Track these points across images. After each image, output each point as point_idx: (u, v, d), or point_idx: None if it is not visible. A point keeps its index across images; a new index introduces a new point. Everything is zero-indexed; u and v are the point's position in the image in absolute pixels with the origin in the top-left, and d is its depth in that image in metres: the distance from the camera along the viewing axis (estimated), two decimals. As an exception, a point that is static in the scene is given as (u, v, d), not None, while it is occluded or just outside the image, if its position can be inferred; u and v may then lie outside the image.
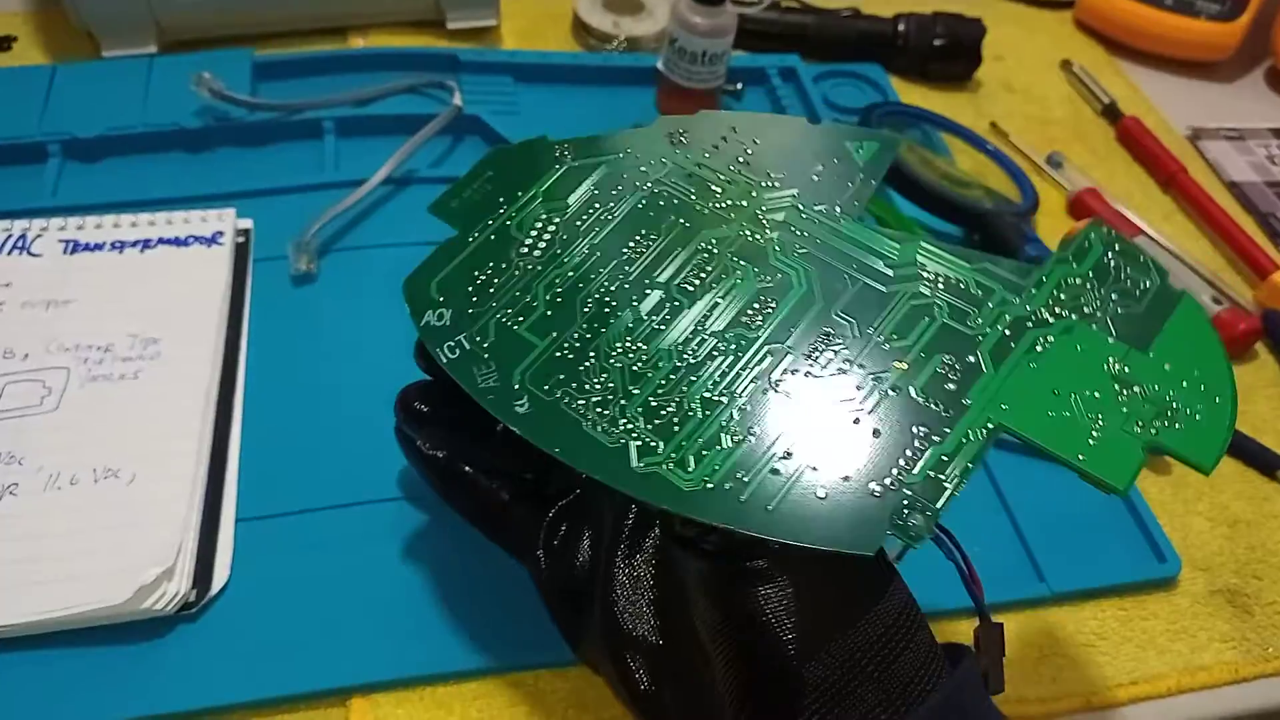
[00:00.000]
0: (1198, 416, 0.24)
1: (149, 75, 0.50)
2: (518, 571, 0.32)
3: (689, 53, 0.51)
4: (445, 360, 0.27)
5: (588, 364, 0.27)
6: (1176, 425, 0.24)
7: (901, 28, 0.60)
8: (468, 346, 0.28)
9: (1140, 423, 0.24)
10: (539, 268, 0.29)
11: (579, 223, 0.30)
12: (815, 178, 0.31)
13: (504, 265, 0.29)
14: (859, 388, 0.25)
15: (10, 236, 0.41)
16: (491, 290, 0.29)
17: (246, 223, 0.44)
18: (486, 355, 0.27)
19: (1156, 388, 0.25)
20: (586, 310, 0.28)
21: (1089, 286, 0.27)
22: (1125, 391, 0.25)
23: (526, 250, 0.30)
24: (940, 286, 0.28)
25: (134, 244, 0.42)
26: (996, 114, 0.60)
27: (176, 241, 0.42)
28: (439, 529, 0.35)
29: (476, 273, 0.29)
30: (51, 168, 0.45)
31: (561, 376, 0.27)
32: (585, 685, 0.33)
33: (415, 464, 0.33)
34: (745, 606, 0.25)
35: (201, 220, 0.43)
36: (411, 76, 0.51)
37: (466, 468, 0.32)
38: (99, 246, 0.41)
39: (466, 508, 0.33)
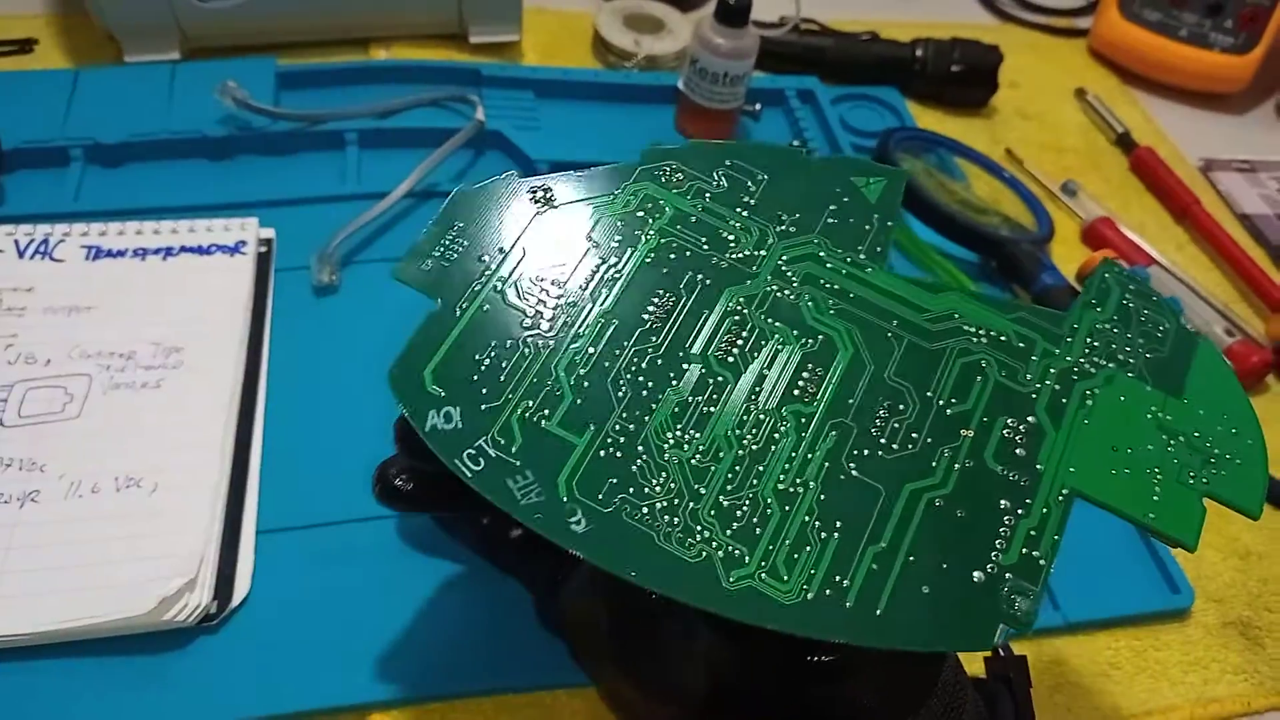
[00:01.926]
0: (1238, 461, 0.24)
1: (172, 81, 0.50)
2: (539, 590, 0.32)
3: (710, 73, 0.51)
4: (470, 475, 0.23)
5: (641, 462, 0.23)
6: (1222, 472, 0.24)
7: (919, 53, 0.61)
8: (493, 454, 0.23)
9: (1192, 473, 0.24)
10: (551, 344, 0.25)
11: (582, 285, 0.26)
12: (831, 220, 0.28)
13: (509, 343, 0.25)
14: (935, 464, 0.23)
15: (33, 241, 0.41)
16: (503, 378, 0.24)
17: (269, 232, 0.44)
18: (519, 463, 0.23)
19: (1197, 434, 0.24)
20: (622, 394, 0.24)
21: (1116, 331, 0.27)
22: (1172, 442, 0.24)
23: (530, 323, 0.25)
24: (984, 340, 0.26)
25: (156, 251, 0.42)
26: (1011, 141, 0.60)
27: (199, 250, 0.42)
28: (457, 545, 0.35)
29: (477, 356, 0.24)
30: (74, 172, 0.45)
31: (614, 481, 0.23)
32: (602, 706, 0.33)
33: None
34: (814, 703, 0.24)
35: (224, 229, 0.43)
36: (434, 90, 0.52)
37: (485, 519, 0.31)
38: (121, 253, 0.41)
39: (475, 546, 0.33)
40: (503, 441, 0.23)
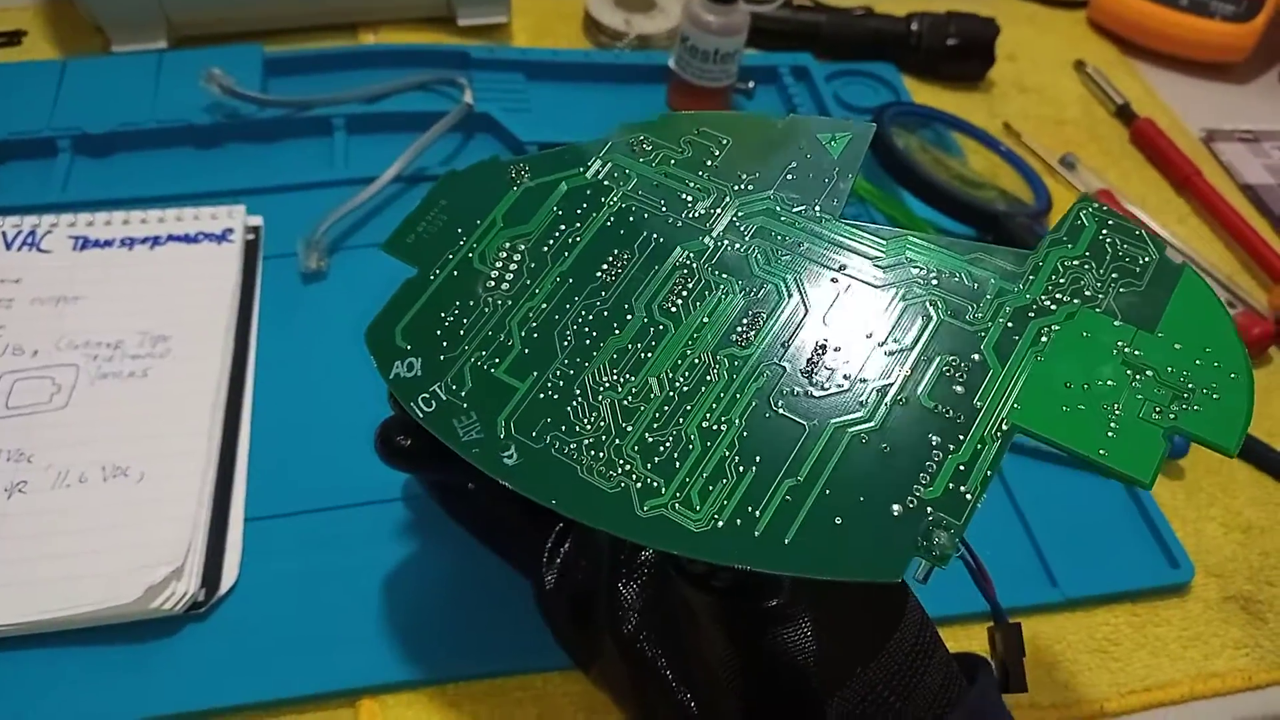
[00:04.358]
0: (1215, 396, 0.23)
1: (159, 71, 0.49)
2: (528, 573, 0.32)
3: (701, 51, 0.51)
4: (421, 415, 0.25)
5: (575, 403, 0.25)
6: (1195, 407, 0.23)
7: (915, 27, 0.60)
8: (444, 397, 0.26)
9: (1158, 408, 0.23)
10: (509, 302, 0.27)
11: (545, 248, 0.28)
12: (790, 176, 0.29)
13: (472, 303, 0.27)
14: (863, 402, 0.24)
15: (20, 232, 0.41)
16: (462, 332, 0.27)
17: (256, 220, 0.44)
18: (465, 405, 0.25)
19: (1170, 369, 0.23)
20: (566, 344, 0.26)
21: (1087, 267, 0.26)
22: (1139, 377, 0.23)
23: (493, 284, 0.27)
24: (934, 281, 0.26)
25: (144, 240, 0.42)
26: (1009, 114, 0.60)
27: (186, 238, 0.42)
28: (449, 529, 0.35)
29: (443, 314, 0.27)
30: (61, 163, 0.45)
31: (549, 420, 0.25)
32: (593, 688, 0.32)
33: (419, 480, 0.33)
34: (763, 647, 0.24)
35: (211, 217, 0.43)
36: (422, 73, 0.51)
37: (470, 485, 0.31)
38: (109, 243, 0.41)
39: (472, 525, 0.33)
40: (454, 386, 0.26)
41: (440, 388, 0.26)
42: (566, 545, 0.30)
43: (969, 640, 0.36)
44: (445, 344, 0.27)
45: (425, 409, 0.26)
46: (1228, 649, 0.37)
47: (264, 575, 0.33)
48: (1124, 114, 0.62)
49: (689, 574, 0.25)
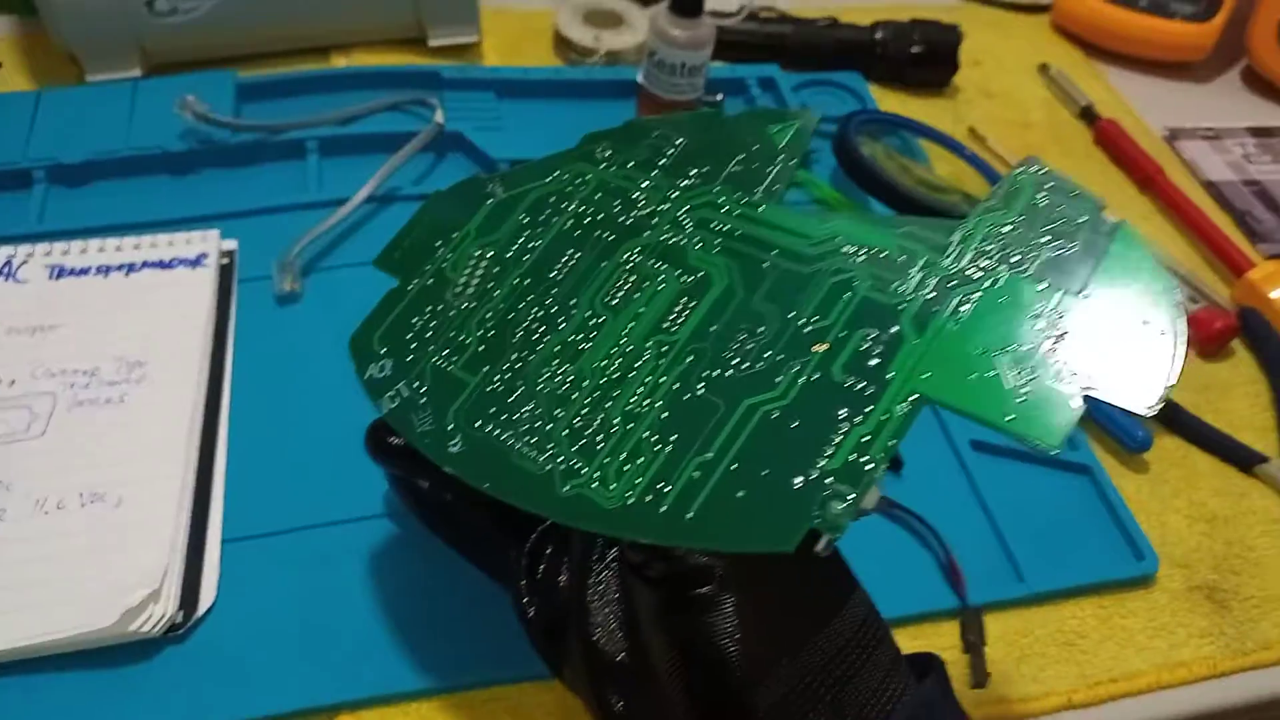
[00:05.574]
0: (1139, 356, 0.22)
1: (133, 99, 0.50)
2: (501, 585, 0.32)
3: (668, 65, 0.52)
4: (386, 411, 0.27)
5: (517, 394, 0.26)
6: (1114, 369, 0.22)
7: (879, 36, 0.61)
8: (406, 394, 0.28)
9: (1075, 372, 0.22)
10: (473, 304, 0.29)
11: (509, 254, 0.30)
12: (736, 168, 0.30)
13: (441, 308, 0.29)
14: (779, 379, 0.24)
15: (-4, 263, 0.42)
16: (429, 334, 0.29)
17: (231, 244, 0.45)
18: (424, 400, 0.27)
19: (1093, 332, 0.23)
20: (516, 340, 0.28)
21: (1018, 233, 0.25)
22: (1058, 341, 0.23)
23: (460, 289, 0.29)
24: (862, 258, 0.26)
25: (119, 268, 0.42)
26: (975, 119, 0.61)
27: (161, 264, 0.43)
28: (422, 545, 0.35)
29: (415, 319, 0.29)
30: (37, 194, 0.46)
31: (492, 410, 0.26)
32: (568, 696, 0.33)
33: (396, 490, 0.34)
34: (693, 636, 0.24)
35: (186, 242, 0.44)
36: (394, 94, 0.52)
37: (448, 495, 0.32)
38: (84, 271, 0.42)
39: (450, 535, 0.34)
40: (416, 384, 0.28)
41: (404, 385, 0.28)
42: (545, 554, 0.31)
43: (938, 638, 0.36)
44: (414, 346, 0.29)
45: (390, 405, 0.28)
46: (1194, 638, 0.38)
47: (241, 595, 0.34)
48: (1087, 115, 0.63)
49: (630, 565, 0.26)
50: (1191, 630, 0.38)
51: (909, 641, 0.36)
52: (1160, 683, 0.37)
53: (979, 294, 0.24)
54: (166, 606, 0.32)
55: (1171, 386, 0.22)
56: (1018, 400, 0.22)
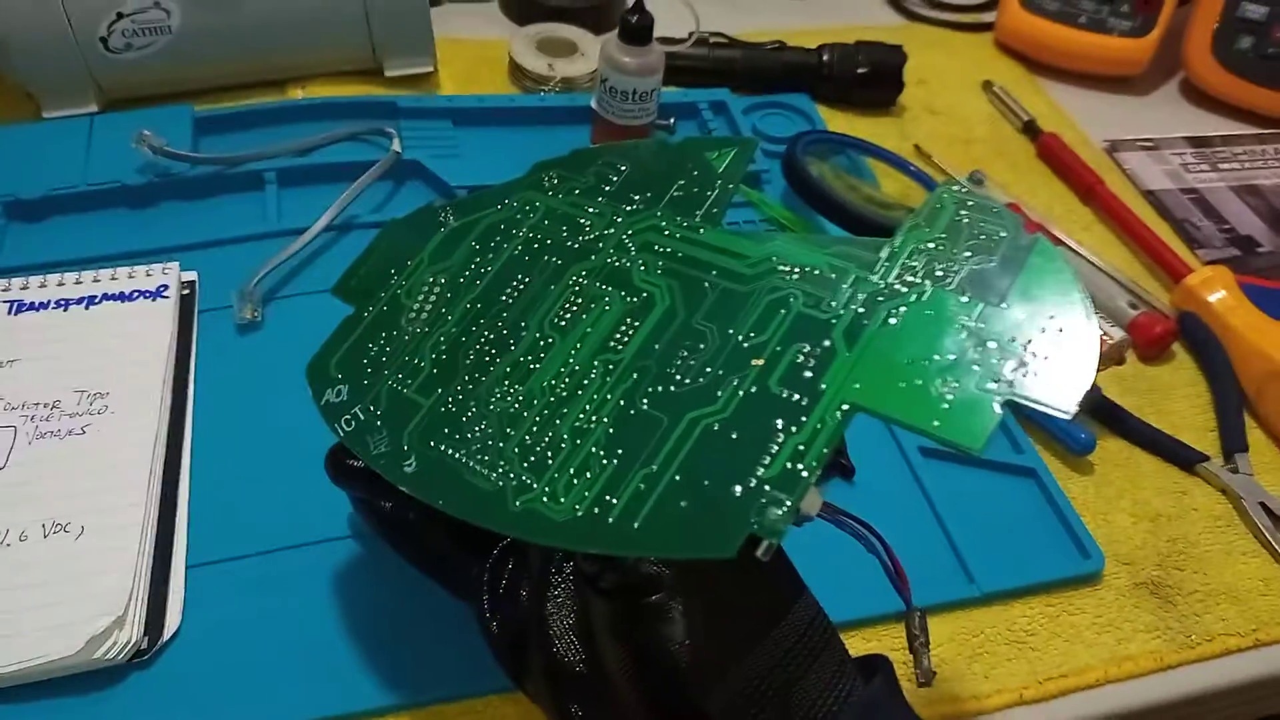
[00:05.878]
0: (1056, 361, 0.24)
1: (90, 134, 0.51)
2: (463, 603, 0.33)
3: (620, 91, 0.53)
4: (342, 434, 0.29)
5: (469, 414, 0.28)
6: (1034, 374, 0.23)
7: (825, 58, 0.63)
8: (362, 417, 0.29)
9: (995, 379, 0.23)
10: (426, 329, 0.30)
11: (461, 280, 0.31)
12: (678, 193, 0.31)
13: (395, 333, 0.30)
14: (720, 393, 0.25)
15: (-44, 300, 0.42)
16: (384, 359, 0.30)
17: (191, 275, 0.45)
18: (379, 422, 0.28)
19: (1013, 340, 0.24)
20: (468, 363, 0.29)
21: (941, 249, 0.27)
22: (980, 349, 0.24)
23: (414, 315, 0.31)
24: (796, 275, 0.27)
25: (78, 301, 0.43)
26: (920, 136, 0.62)
27: (121, 297, 0.43)
28: (385, 565, 0.36)
29: (371, 345, 0.30)
30: (-5, 231, 0.46)
31: (446, 430, 0.27)
32: (532, 708, 0.34)
33: (360, 512, 0.34)
34: (645, 643, 0.25)
35: (146, 275, 0.44)
36: (351, 125, 0.53)
37: (410, 515, 0.33)
38: (44, 305, 0.42)
39: (413, 554, 0.34)
40: (372, 407, 0.29)
41: (360, 409, 0.29)
42: (507, 570, 0.32)
43: (891, 640, 0.37)
44: (370, 371, 0.30)
45: (346, 429, 0.29)
46: (1140, 633, 0.39)
47: (206, 620, 0.34)
48: (1030, 130, 0.65)
49: (584, 576, 0.27)
50: (1138, 625, 0.40)
51: (861, 644, 0.37)
52: (1108, 677, 0.38)
53: (905, 307, 0.25)
54: (131, 632, 0.32)
55: (1090, 388, 0.23)
56: (944, 406, 0.23)
